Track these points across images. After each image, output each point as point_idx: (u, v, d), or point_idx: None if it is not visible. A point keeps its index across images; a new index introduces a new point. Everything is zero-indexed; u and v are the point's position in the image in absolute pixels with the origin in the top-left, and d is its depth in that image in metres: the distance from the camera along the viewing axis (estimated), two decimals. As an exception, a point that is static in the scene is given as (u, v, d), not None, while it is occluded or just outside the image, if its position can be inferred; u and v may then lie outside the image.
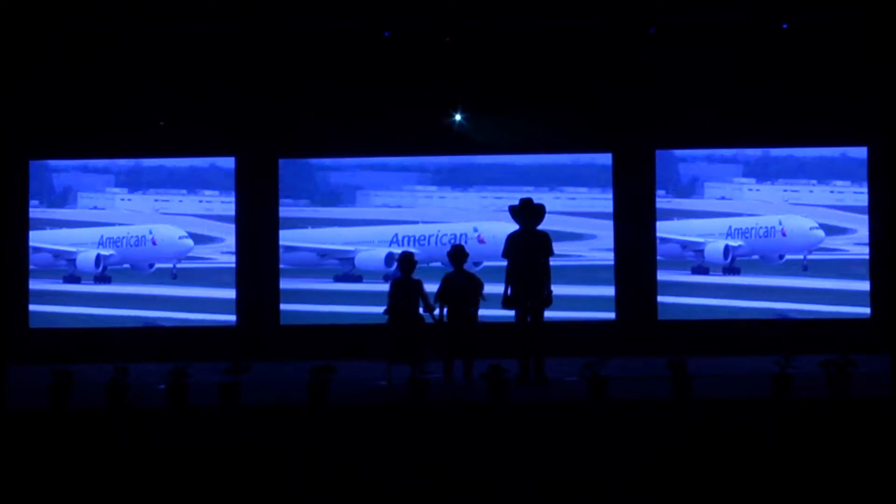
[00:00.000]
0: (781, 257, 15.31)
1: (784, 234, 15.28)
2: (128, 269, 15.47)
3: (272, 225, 14.85)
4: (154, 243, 15.48)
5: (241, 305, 14.84)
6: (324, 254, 15.43)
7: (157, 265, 15.39)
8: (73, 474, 8.64)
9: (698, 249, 15.25)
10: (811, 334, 14.06)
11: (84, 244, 15.41)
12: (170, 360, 10.97)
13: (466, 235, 15.10)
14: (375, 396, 11.26)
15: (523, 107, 14.57)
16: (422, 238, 15.36)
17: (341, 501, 8.38)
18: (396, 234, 15.39)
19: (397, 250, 14.82)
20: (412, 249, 13.66)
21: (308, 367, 10.48)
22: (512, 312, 12.02)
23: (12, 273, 14.06)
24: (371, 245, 15.36)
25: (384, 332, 12.02)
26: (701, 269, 15.25)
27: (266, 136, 14.86)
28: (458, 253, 12.24)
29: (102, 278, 15.41)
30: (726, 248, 15.26)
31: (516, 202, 12.19)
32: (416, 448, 9.20)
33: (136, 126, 14.70)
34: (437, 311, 12.00)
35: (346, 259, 15.38)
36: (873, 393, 10.39)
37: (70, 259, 15.39)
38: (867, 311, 14.70)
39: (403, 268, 12.10)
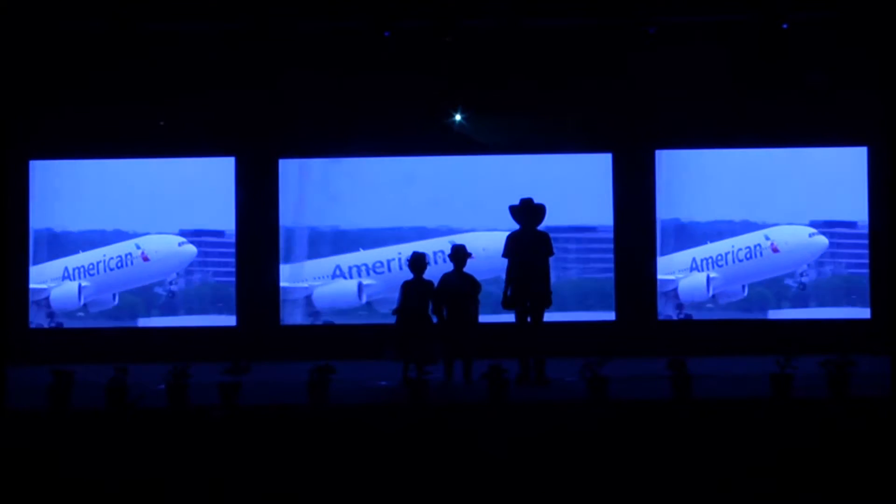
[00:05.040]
0: (744, 288, 13.64)
1: (776, 251, 13.56)
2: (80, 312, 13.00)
3: (272, 225, 14.83)
4: (146, 259, 13.46)
5: (241, 306, 14.83)
6: None
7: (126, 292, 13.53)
8: (72, 474, 8.64)
9: (668, 290, 13.78)
10: (811, 334, 14.05)
11: (42, 283, 13.43)
12: (170, 360, 10.96)
13: (443, 252, 13.65)
14: (375, 396, 11.25)
15: (523, 107, 14.57)
16: (378, 265, 13.51)
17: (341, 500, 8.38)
18: (339, 266, 13.68)
19: (368, 281, 13.74)
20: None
21: (308, 367, 10.48)
22: (512, 313, 12.02)
23: (12, 273, 14.06)
24: (314, 281, 13.56)
25: (394, 331, 12.00)
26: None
27: (266, 136, 14.86)
28: (457, 254, 12.21)
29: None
30: (709, 279, 13.51)
31: (516, 202, 12.18)
32: (416, 448, 9.20)
33: (136, 126, 14.69)
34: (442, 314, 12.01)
35: (293, 301, 13.90)
36: (873, 393, 10.39)
37: (39, 300, 13.67)
38: (867, 312, 14.68)
39: (415, 268, 12.05)
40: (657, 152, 14.84)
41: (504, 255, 12.02)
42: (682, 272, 13.74)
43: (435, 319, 11.97)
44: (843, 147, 14.80)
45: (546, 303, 11.88)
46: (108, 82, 14.34)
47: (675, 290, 13.66)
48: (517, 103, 14.54)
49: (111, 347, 14.00)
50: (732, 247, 13.65)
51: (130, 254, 13.50)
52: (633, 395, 10.70)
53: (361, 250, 13.68)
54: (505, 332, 12.21)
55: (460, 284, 12.07)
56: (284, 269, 14.16)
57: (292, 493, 8.36)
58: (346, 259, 13.67)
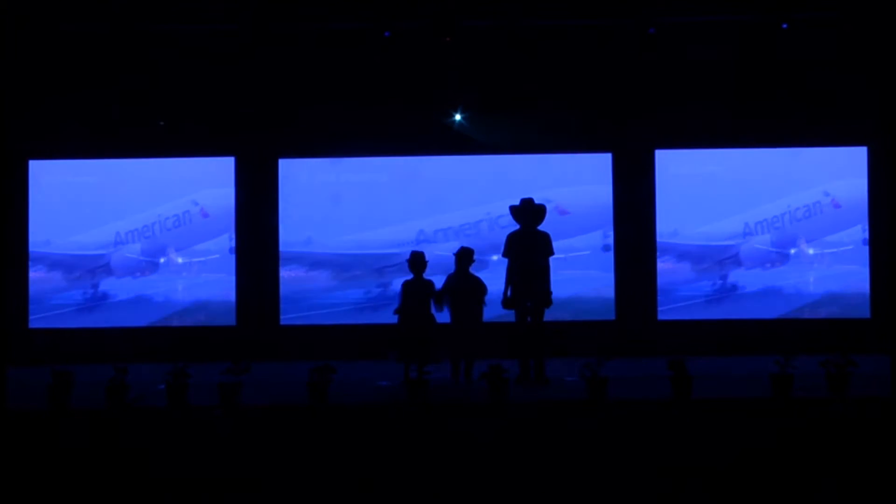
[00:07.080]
0: (789, 253, 13.43)
1: (837, 206, 13.14)
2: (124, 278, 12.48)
3: (272, 225, 14.83)
4: (206, 215, 12.98)
5: (240, 306, 14.83)
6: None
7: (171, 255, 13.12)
8: (73, 474, 8.64)
9: (728, 256, 13.41)
10: (811, 334, 14.06)
11: (93, 250, 13.12)
12: (170, 360, 10.97)
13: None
14: (375, 396, 11.26)
15: (523, 107, 14.57)
16: (466, 227, 13.16)
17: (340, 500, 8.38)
18: (422, 231, 13.48)
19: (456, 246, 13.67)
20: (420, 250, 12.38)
21: (308, 367, 10.49)
22: (512, 312, 12.03)
23: (12, 273, 14.06)
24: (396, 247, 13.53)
25: (395, 331, 11.98)
26: (724, 291, 13.16)
27: (266, 136, 14.86)
28: (462, 254, 12.19)
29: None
30: (772, 241, 13.31)
31: (517, 202, 12.18)
32: (416, 448, 9.20)
33: (136, 126, 14.69)
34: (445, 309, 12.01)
35: (380, 269, 13.67)
36: (873, 393, 10.40)
37: (96, 267, 13.19)
38: (867, 311, 14.67)
39: (414, 268, 12.02)
40: (657, 152, 14.85)
41: (504, 255, 12.03)
42: (734, 238, 13.34)
43: (439, 318, 11.96)
44: (843, 147, 14.79)
45: (546, 302, 11.88)
46: (109, 82, 14.34)
47: (737, 255, 13.29)
48: (517, 103, 14.54)
49: (111, 347, 14.02)
50: (788, 206, 13.25)
51: (188, 211, 12.96)
52: (633, 395, 10.71)
53: (449, 212, 13.22)
54: (505, 332, 12.22)
55: (463, 285, 12.06)
56: (372, 235, 13.58)
57: (292, 492, 8.36)
58: (430, 223, 13.14)
